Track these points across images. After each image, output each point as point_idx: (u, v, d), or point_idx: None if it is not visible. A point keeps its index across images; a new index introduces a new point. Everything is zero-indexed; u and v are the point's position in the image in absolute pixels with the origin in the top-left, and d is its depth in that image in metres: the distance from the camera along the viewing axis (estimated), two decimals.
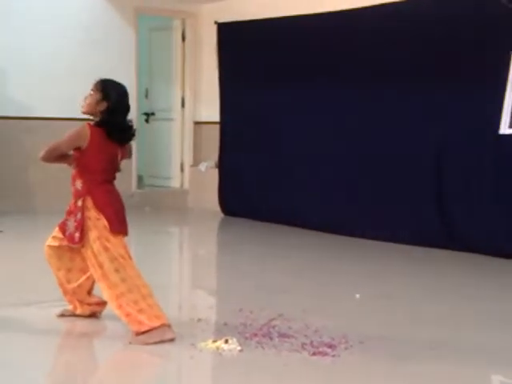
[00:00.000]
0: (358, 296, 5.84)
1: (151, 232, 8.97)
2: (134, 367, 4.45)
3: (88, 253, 4.69)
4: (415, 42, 7.95)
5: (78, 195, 4.71)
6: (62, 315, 5.08)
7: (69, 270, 4.94)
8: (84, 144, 4.65)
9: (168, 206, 10.63)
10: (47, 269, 5.23)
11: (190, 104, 11.09)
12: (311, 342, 4.60)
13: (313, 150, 9.00)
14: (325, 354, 4.42)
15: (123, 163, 4.95)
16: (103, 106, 4.69)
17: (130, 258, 4.71)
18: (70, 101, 9.95)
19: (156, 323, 4.57)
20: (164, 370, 4.41)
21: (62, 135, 4.75)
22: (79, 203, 4.69)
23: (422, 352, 4.57)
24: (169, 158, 11.32)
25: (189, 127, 11.10)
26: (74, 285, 4.95)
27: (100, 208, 4.66)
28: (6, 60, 9.57)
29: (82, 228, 4.67)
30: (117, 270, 4.61)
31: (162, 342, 4.53)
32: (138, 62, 10.63)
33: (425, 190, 7.90)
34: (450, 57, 7.68)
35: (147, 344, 4.50)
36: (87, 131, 4.65)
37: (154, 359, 4.46)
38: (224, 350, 4.45)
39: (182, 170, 11.16)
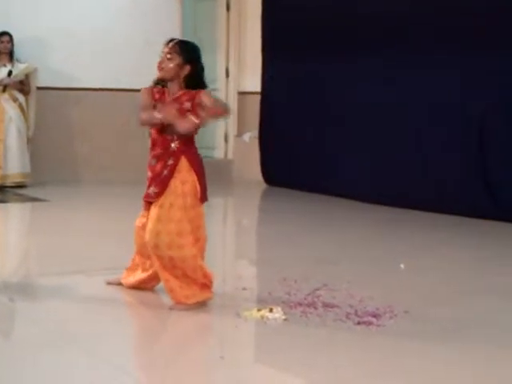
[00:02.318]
0: (402, 266, 5.81)
1: None
2: (177, 337, 4.49)
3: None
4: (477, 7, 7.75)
5: (169, 155, 4.61)
6: (110, 283, 5.12)
7: None
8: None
9: (212, 176, 10.50)
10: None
11: (234, 74, 11.07)
12: (356, 312, 4.59)
13: (357, 119, 8.93)
14: (369, 323, 4.41)
15: None
16: (187, 69, 4.63)
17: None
18: (115, 71, 10.05)
19: None
20: (208, 339, 4.43)
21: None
22: (170, 162, 4.61)
23: (466, 322, 4.54)
24: (213, 128, 11.29)
25: (233, 97, 11.08)
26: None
27: (195, 169, 4.66)
28: (53, 32, 9.64)
29: (164, 185, 4.60)
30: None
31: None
32: (182, 33, 10.62)
33: (472, 160, 7.81)
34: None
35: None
36: None
37: (198, 328, 4.49)
38: (268, 319, 4.46)
39: (226, 140, 11.17)
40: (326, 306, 4.71)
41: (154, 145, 4.71)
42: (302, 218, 8.03)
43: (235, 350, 4.23)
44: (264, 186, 10.15)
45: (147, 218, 4.70)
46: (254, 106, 10.55)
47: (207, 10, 11.34)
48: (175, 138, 4.61)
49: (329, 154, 9.27)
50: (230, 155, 11.12)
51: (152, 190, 4.65)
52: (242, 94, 11.03)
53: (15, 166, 9.19)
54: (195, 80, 4.66)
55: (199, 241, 4.75)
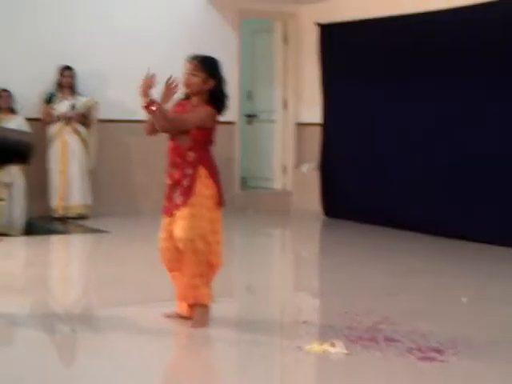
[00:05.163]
0: (464, 300, 5.72)
1: (254, 233, 9.00)
2: (238, 369, 4.47)
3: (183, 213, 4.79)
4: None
5: (187, 165, 4.81)
6: (168, 316, 5.13)
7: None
8: (210, 124, 4.83)
9: (270, 207, 10.65)
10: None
11: (292, 105, 11.10)
12: (418, 347, 4.53)
13: (414, 150, 8.88)
14: (433, 359, 4.34)
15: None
16: (210, 84, 4.83)
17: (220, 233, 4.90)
18: (173, 103, 10.13)
19: None
20: (270, 373, 4.39)
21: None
22: (189, 172, 4.80)
23: None
24: (271, 159, 11.35)
25: (291, 129, 11.10)
26: None
27: (213, 178, 4.83)
28: (110, 64, 9.76)
29: (189, 192, 4.78)
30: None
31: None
32: (240, 64, 10.70)
33: None
34: None
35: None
36: (215, 113, 4.84)
37: (259, 361, 4.47)
38: (331, 353, 4.43)
39: (284, 171, 11.17)
40: (387, 340, 4.66)
41: (169, 152, 4.93)
42: (362, 249, 7.97)
43: None
44: (323, 217, 10.12)
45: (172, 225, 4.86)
46: (312, 137, 10.55)
47: (265, 41, 11.42)
48: (188, 145, 4.80)
49: (387, 184, 9.21)
50: (289, 187, 11.11)
51: (179, 199, 4.82)
52: (300, 125, 11.04)
53: (77, 197, 9.32)
54: (218, 94, 4.86)
55: (219, 244, 4.90)
